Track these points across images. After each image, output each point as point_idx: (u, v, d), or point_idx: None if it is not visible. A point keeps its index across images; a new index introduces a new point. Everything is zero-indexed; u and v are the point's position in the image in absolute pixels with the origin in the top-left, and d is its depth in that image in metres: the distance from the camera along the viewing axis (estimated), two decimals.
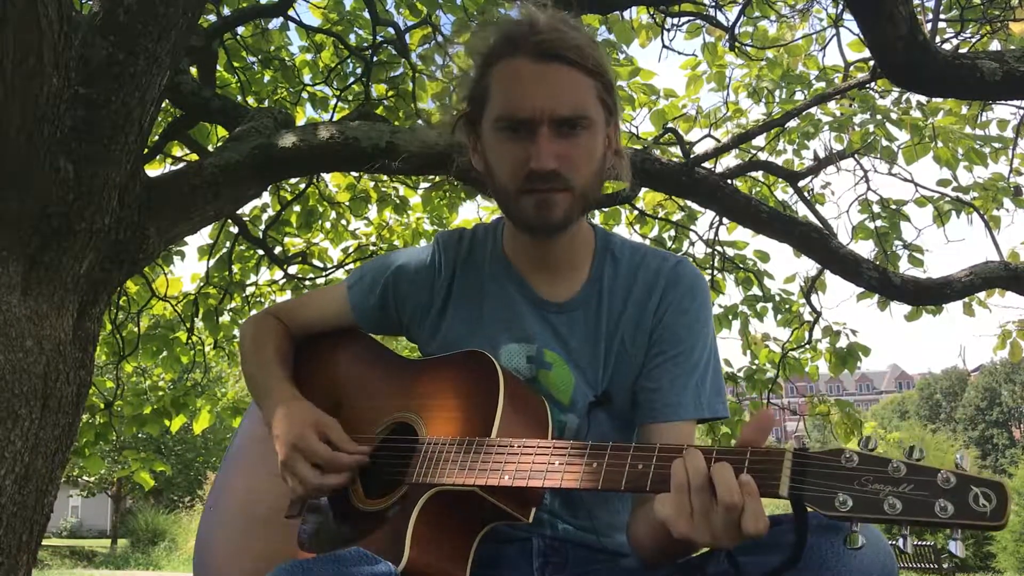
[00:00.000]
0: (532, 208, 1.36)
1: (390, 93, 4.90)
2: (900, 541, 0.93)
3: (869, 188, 5.10)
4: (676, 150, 4.57)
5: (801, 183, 4.88)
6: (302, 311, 1.67)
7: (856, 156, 4.80)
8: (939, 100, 4.70)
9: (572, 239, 1.46)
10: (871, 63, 4.19)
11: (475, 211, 6.66)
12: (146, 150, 3.63)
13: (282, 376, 1.55)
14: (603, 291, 1.46)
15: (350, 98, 5.04)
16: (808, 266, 5.11)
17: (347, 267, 5.74)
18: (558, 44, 1.34)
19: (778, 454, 1.00)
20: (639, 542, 1.29)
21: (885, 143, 4.52)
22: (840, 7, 4.64)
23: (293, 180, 5.07)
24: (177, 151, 5.08)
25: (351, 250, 5.90)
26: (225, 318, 5.79)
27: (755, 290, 5.58)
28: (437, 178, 5.12)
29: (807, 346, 5.59)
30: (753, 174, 5.39)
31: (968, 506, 0.89)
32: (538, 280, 1.48)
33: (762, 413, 1.08)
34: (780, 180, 5.35)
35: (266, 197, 5.43)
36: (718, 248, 5.38)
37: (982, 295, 4.82)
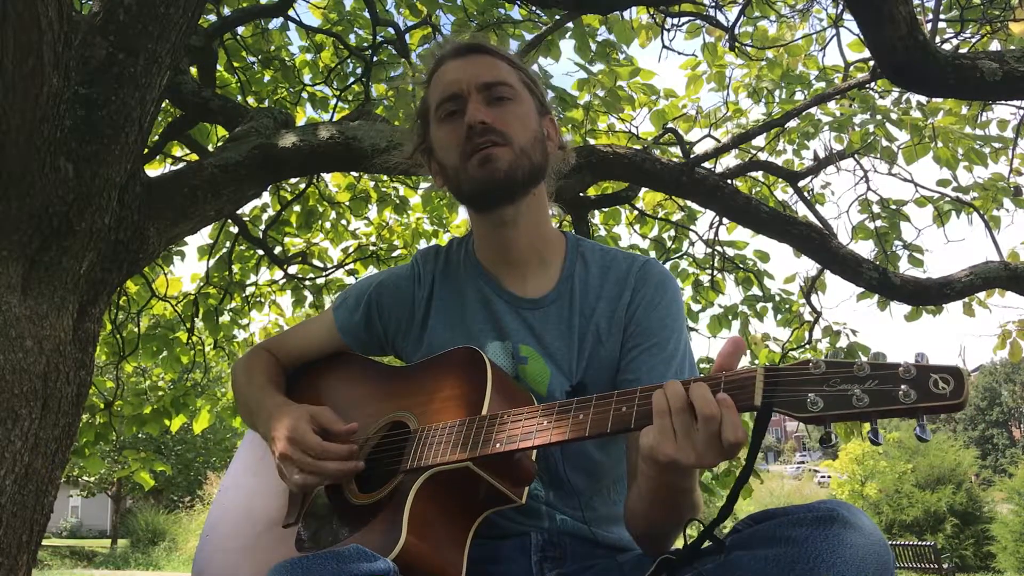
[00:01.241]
0: (477, 167, 1.43)
1: (390, 93, 4.90)
2: (871, 435, 0.99)
3: (869, 188, 5.11)
4: (676, 150, 4.57)
5: (801, 183, 4.88)
6: (291, 341, 1.72)
7: (856, 156, 4.80)
8: (939, 100, 4.70)
9: (534, 229, 1.52)
10: (871, 63, 4.19)
11: None
12: (146, 150, 3.63)
13: (273, 394, 1.58)
14: (575, 288, 1.51)
15: (350, 98, 5.04)
16: (808, 266, 5.12)
17: (347, 267, 5.75)
18: (477, 41, 1.56)
19: (751, 371, 1.07)
20: (633, 511, 1.30)
21: (885, 143, 4.52)
22: (840, 7, 4.64)
23: (293, 180, 5.07)
24: (177, 151, 5.08)
25: (351, 250, 5.90)
26: (225, 318, 5.79)
27: (755, 290, 5.58)
28: None
29: (807, 346, 5.59)
30: (753, 174, 5.39)
31: (929, 390, 0.95)
32: (510, 279, 1.54)
33: (732, 338, 1.14)
34: (780, 180, 5.35)
35: (266, 197, 5.43)
36: (718, 248, 5.38)
37: (982, 295, 4.82)
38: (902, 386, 0.96)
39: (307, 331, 1.72)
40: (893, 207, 5.01)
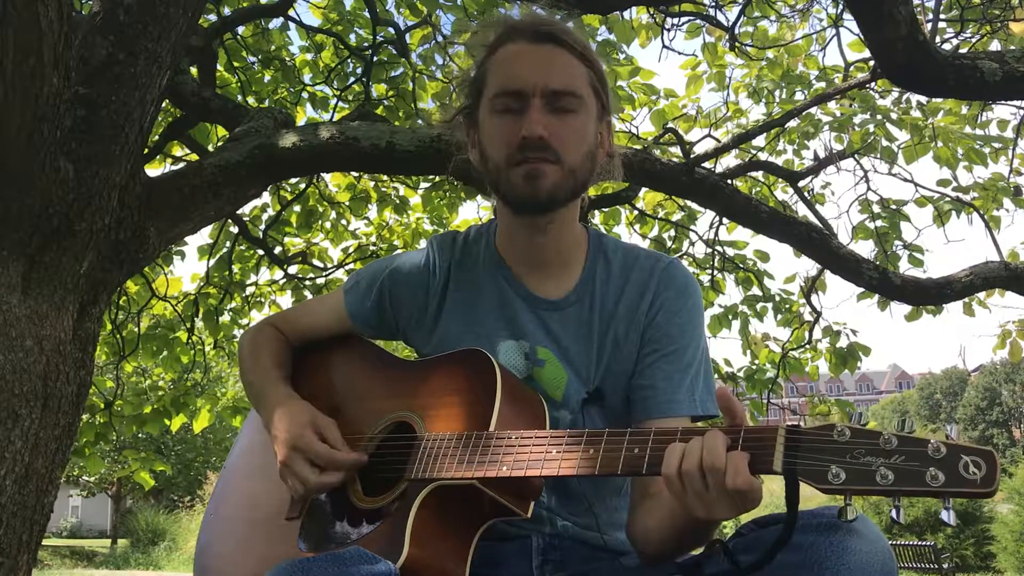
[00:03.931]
0: (521, 179, 1.37)
1: (390, 93, 4.90)
2: (893, 512, 0.95)
3: (869, 188, 5.10)
4: (676, 150, 4.57)
5: (801, 183, 4.87)
6: (300, 319, 1.68)
7: (856, 156, 4.80)
8: (939, 100, 4.69)
9: (564, 233, 1.47)
10: (871, 63, 4.19)
11: (475, 211, 6.66)
12: (146, 150, 3.62)
13: (279, 380, 1.56)
14: (596, 290, 1.47)
15: (350, 98, 5.04)
16: (808, 266, 5.11)
17: (347, 267, 5.74)
18: (554, 29, 1.42)
19: (771, 431, 1.03)
20: (648, 534, 1.30)
21: (885, 143, 4.52)
22: (840, 7, 4.64)
23: (293, 180, 5.07)
24: (177, 151, 5.08)
25: (351, 250, 5.90)
26: (225, 318, 5.79)
27: (755, 290, 5.58)
28: (437, 178, 5.13)
29: (807, 346, 5.59)
30: (753, 174, 5.39)
31: (959, 474, 0.90)
32: (531, 278, 1.49)
33: (718, 390, 1.13)
34: (780, 180, 5.35)
35: (266, 197, 5.43)
36: (718, 248, 5.38)
37: (982, 295, 4.82)
38: (930, 468, 0.91)
39: (317, 311, 1.68)
40: (893, 207, 5.01)
